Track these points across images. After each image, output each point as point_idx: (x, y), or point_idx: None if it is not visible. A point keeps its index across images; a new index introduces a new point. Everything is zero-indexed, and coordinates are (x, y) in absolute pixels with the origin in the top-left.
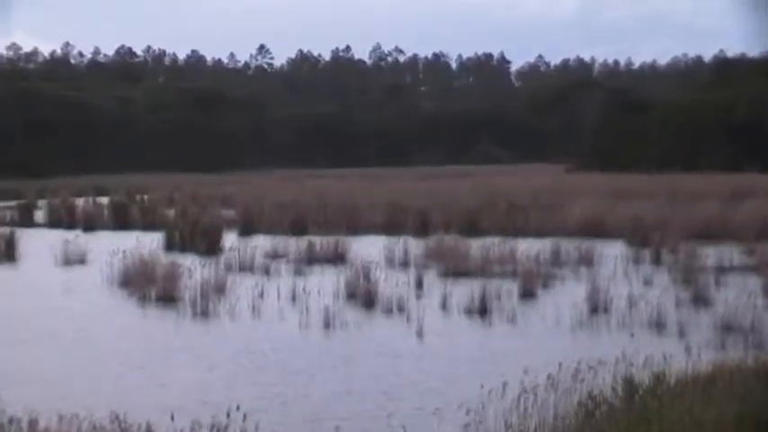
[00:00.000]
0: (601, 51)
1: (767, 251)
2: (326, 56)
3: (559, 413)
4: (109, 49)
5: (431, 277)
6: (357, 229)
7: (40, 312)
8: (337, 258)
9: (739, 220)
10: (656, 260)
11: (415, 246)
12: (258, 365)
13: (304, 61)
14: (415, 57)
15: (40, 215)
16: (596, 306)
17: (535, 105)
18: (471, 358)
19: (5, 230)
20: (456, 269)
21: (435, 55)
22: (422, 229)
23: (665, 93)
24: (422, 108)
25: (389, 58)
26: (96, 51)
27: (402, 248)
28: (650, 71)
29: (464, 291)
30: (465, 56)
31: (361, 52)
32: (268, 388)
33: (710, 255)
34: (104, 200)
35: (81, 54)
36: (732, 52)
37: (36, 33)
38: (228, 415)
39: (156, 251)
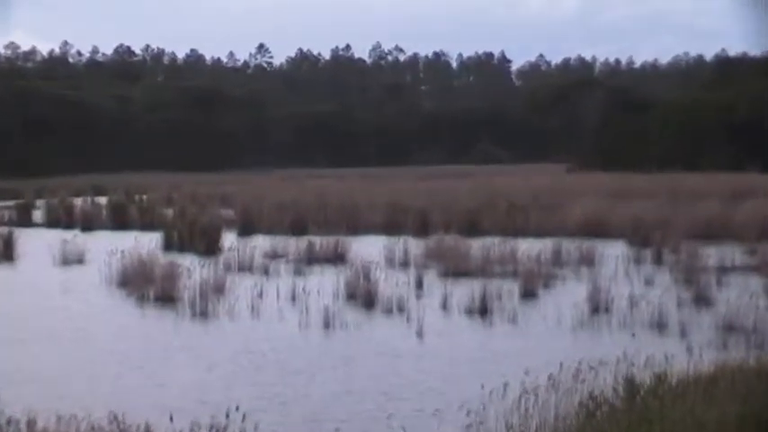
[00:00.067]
0: (602, 50)
1: None
2: (326, 55)
3: (560, 414)
4: (107, 48)
5: (431, 277)
6: (357, 228)
7: (39, 312)
8: (337, 258)
9: (741, 220)
10: (658, 260)
11: (416, 246)
12: (257, 366)
13: (304, 60)
14: (415, 56)
15: (38, 215)
16: (597, 306)
17: (536, 105)
18: (472, 358)
19: (4, 230)
20: (456, 269)
21: (436, 54)
22: (422, 229)
23: (667, 92)
24: (422, 107)
25: (389, 57)
26: (95, 50)
27: (402, 248)
28: (651, 70)
29: (464, 291)
30: (465, 55)
31: (361, 51)
32: (267, 388)
33: (712, 254)
34: (103, 199)
35: (79, 53)
36: (733, 51)
37: (35, 32)
38: (227, 415)
39: (155, 251)
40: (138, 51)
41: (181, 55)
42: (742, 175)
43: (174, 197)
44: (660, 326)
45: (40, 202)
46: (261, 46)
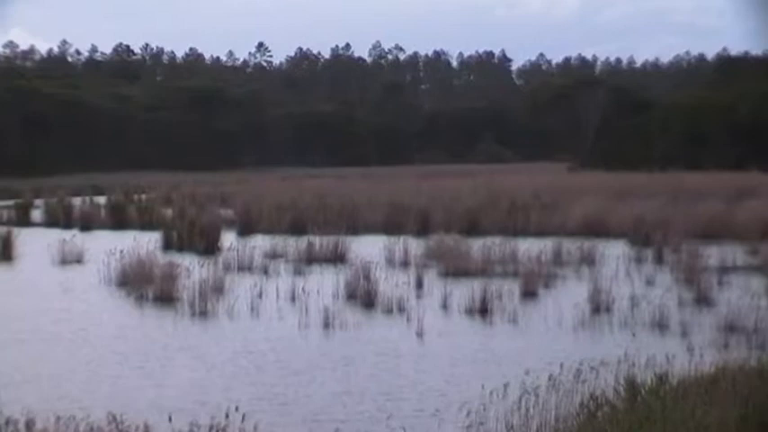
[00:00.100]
0: (603, 49)
1: None
2: (326, 54)
3: (561, 414)
4: (106, 48)
5: (431, 277)
6: (357, 228)
7: (37, 312)
8: (337, 258)
9: (742, 220)
10: (659, 260)
11: (416, 245)
12: (257, 366)
13: (303, 59)
14: (415, 55)
15: (36, 214)
16: (598, 306)
17: (537, 104)
18: (472, 359)
19: (2, 230)
20: (456, 269)
21: (436, 53)
22: (422, 229)
23: (668, 91)
24: (422, 107)
25: (389, 56)
26: (94, 49)
27: (402, 248)
28: (653, 69)
29: (465, 291)
30: (466, 54)
31: (361, 50)
32: (267, 388)
33: (713, 254)
34: (102, 199)
35: (78, 52)
36: (735, 51)
37: (33, 31)
38: (227, 415)
39: (154, 251)
40: (137, 50)
41: (180, 54)
42: (743, 175)
43: (173, 197)
44: (661, 326)
45: (38, 202)
46: (260, 45)
